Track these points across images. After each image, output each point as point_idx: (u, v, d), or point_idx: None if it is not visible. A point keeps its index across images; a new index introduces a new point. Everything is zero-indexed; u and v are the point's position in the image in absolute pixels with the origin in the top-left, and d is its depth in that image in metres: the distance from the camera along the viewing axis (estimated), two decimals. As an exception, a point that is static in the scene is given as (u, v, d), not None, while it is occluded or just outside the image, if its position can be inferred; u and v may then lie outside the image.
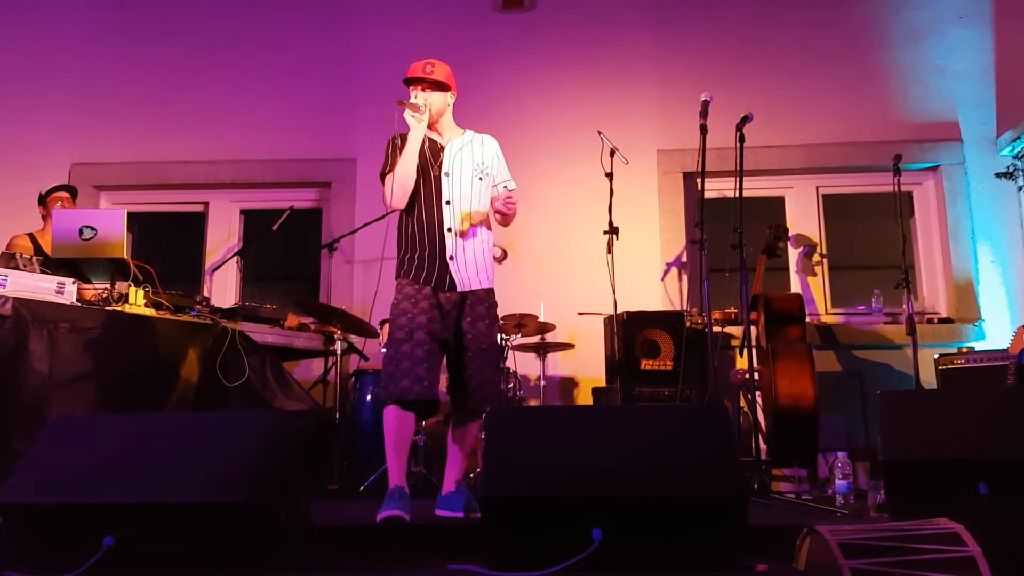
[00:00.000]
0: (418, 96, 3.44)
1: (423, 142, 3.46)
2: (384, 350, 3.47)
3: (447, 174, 3.46)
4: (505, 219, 3.54)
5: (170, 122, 6.01)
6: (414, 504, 3.22)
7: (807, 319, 5.00)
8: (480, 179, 3.51)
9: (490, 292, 3.51)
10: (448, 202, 3.43)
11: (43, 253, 4.28)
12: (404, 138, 3.44)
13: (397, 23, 6.02)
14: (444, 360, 3.47)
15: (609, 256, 4.64)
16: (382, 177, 3.50)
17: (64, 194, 4.85)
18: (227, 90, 6.05)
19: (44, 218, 4.84)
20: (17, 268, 3.59)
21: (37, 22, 6.20)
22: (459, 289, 3.40)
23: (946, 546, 2.00)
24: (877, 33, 5.85)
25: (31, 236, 4.75)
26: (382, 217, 4.60)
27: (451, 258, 3.40)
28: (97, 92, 6.07)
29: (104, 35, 6.16)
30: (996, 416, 2.73)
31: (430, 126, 3.48)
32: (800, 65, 5.82)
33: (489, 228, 3.56)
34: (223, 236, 6.08)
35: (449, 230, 3.42)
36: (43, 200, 4.86)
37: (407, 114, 3.39)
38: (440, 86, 3.48)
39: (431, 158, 3.47)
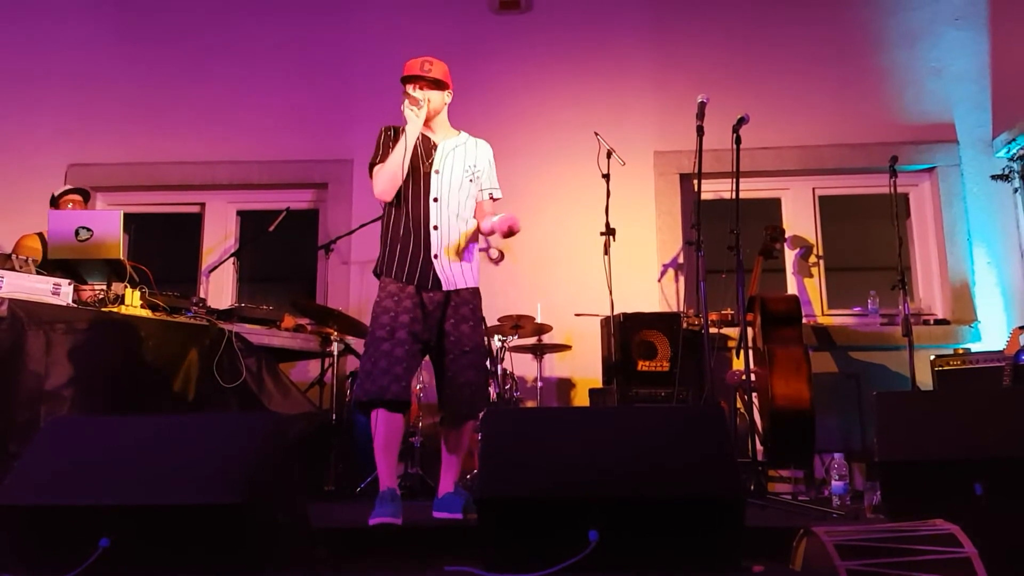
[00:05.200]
0: (417, 92, 3.40)
1: (416, 138, 3.42)
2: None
3: (437, 172, 3.42)
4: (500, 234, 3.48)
5: (167, 123, 6.01)
6: (412, 506, 3.22)
7: (803, 320, 5.01)
8: (470, 180, 3.48)
9: (475, 293, 3.48)
10: (436, 199, 3.40)
11: None
12: (396, 130, 3.41)
13: (393, 24, 6.02)
14: (431, 362, 3.45)
15: (606, 257, 4.64)
16: (371, 168, 3.44)
17: (76, 197, 4.85)
18: (223, 91, 6.04)
19: None
20: (13, 269, 3.58)
21: (34, 22, 6.19)
22: (444, 288, 3.37)
23: (942, 547, 2.00)
24: (873, 35, 5.86)
25: (40, 236, 4.74)
26: (379, 218, 4.58)
27: (435, 256, 3.36)
28: (94, 93, 6.06)
29: (101, 36, 6.15)
30: (992, 417, 2.74)
31: (425, 123, 3.45)
32: (797, 67, 5.83)
33: (476, 230, 3.52)
34: (219, 237, 6.07)
35: (435, 228, 3.37)
36: (55, 201, 4.85)
37: (405, 107, 3.35)
38: (438, 84, 3.44)
39: (423, 155, 3.43)
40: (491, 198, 3.58)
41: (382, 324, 3.29)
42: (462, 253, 3.43)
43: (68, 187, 4.91)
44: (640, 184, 5.71)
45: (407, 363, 3.25)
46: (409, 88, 3.41)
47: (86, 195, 4.93)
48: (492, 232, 3.43)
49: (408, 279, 3.35)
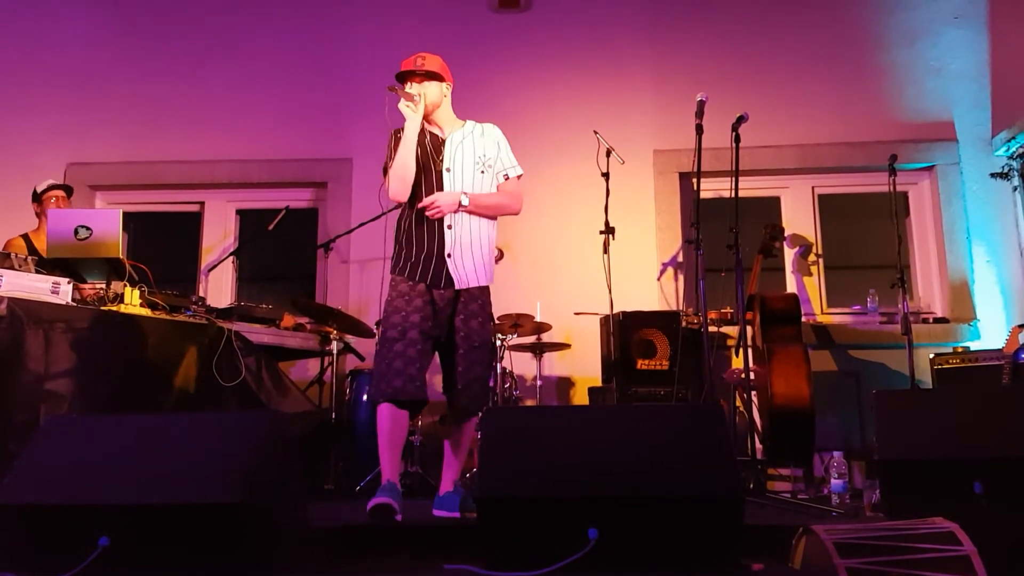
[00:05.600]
0: (412, 87, 3.39)
1: (424, 136, 3.41)
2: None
3: (448, 169, 3.41)
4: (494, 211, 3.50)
5: (166, 122, 6.01)
6: (411, 504, 3.22)
7: (803, 319, 5.01)
8: (482, 172, 3.44)
9: (485, 290, 3.47)
10: None
11: (37, 254, 4.27)
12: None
13: (393, 23, 6.01)
14: (439, 357, 3.45)
15: (605, 256, 4.64)
16: (385, 172, 3.44)
17: (60, 192, 4.83)
18: (223, 90, 6.04)
19: (38, 215, 4.83)
20: (12, 268, 3.58)
21: (33, 21, 6.19)
22: (457, 287, 3.37)
23: (941, 545, 2.00)
24: (873, 34, 5.86)
25: (25, 237, 4.74)
26: (378, 217, 4.59)
27: (449, 255, 3.36)
28: (93, 92, 6.06)
29: (100, 35, 6.15)
30: (991, 415, 2.73)
31: (428, 119, 3.44)
32: (796, 65, 5.83)
33: (491, 225, 3.49)
34: (219, 236, 6.07)
35: (449, 227, 3.37)
36: (37, 197, 4.84)
37: (402, 104, 3.34)
38: (433, 76, 3.42)
39: (432, 153, 3.42)
40: (506, 178, 3.53)
41: (393, 324, 3.29)
42: (475, 251, 3.41)
43: (51, 182, 4.88)
44: (639, 183, 5.71)
45: (420, 363, 3.25)
46: (406, 86, 3.40)
47: (69, 191, 4.92)
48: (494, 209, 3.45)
49: (421, 277, 3.35)
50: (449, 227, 3.37)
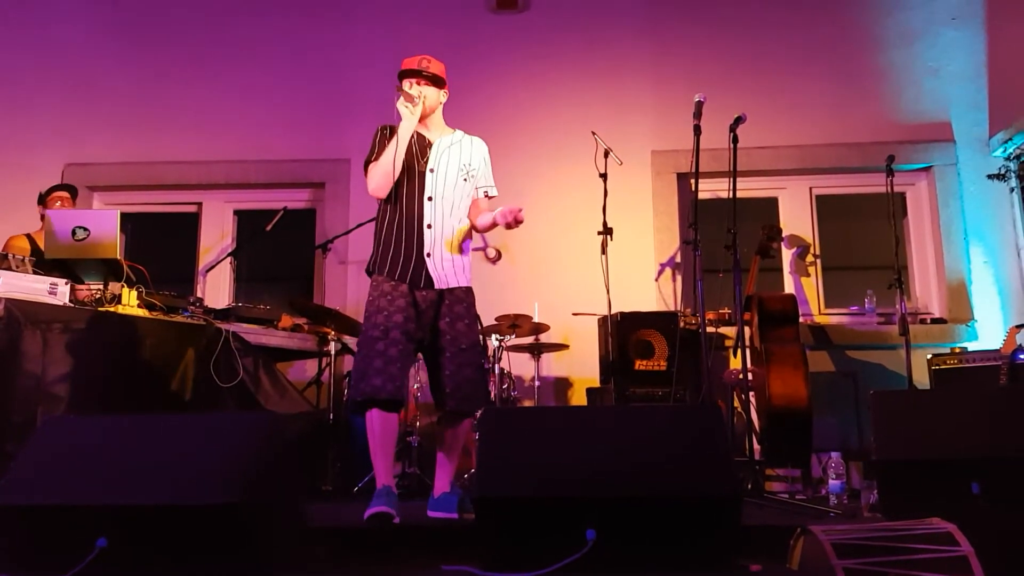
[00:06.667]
0: (413, 88, 3.40)
1: (412, 136, 3.40)
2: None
3: (432, 170, 3.42)
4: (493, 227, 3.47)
5: (164, 123, 6.00)
6: (410, 505, 3.22)
7: (800, 319, 5.01)
8: (464, 180, 3.47)
9: (468, 291, 3.47)
10: (430, 198, 3.39)
11: (40, 254, 4.26)
12: (392, 129, 3.40)
13: (391, 24, 6.01)
14: (425, 361, 3.45)
15: (603, 257, 4.64)
16: (366, 165, 3.44)
17: (64, 194, 4.85)
18: (221, 91, 6.04)
19: (43, 217, 4.83)
20: (10, 269, 3.58)
21: (31, 22, 6.18)
22: (436, 287, 3.36)
23: (939, 546, 2.00)
24: (870, 34, 5.87)
25: (28, 237, 4.74)
26: (375, 217, 4.60)
27: (428, 255, 3.36)
28: (91, 93, 6.05)
29: (98, 36, 6.14)
30: (989, 416, 2.74)
31: (421, 121, 3.44)
32: (794, 66, 5.84)
33: (470, 228, 3.51)
34: (216, 237, 6.07)
35: (429, 227, 3.37)
36: (43, 199, 4.85)
37: (400, 104, 3.34)
38: (435, 81, 3.45)
39: (418, 153, 3.43)
40: (487, 196, 3.58)
41: (376, 324, 3.28)
42: (455, 252, 3.42)
43: (56, 184, 4.91)
44: (637, 183, 5.72)
45: (401, 363, 3.24)
46: (405, 84, 3.41)
47: (74, 191, 4.93)
48: (493, 226, 3.42)
49: (401, 277, 3.34)
50: (429, 226, 3.37)
